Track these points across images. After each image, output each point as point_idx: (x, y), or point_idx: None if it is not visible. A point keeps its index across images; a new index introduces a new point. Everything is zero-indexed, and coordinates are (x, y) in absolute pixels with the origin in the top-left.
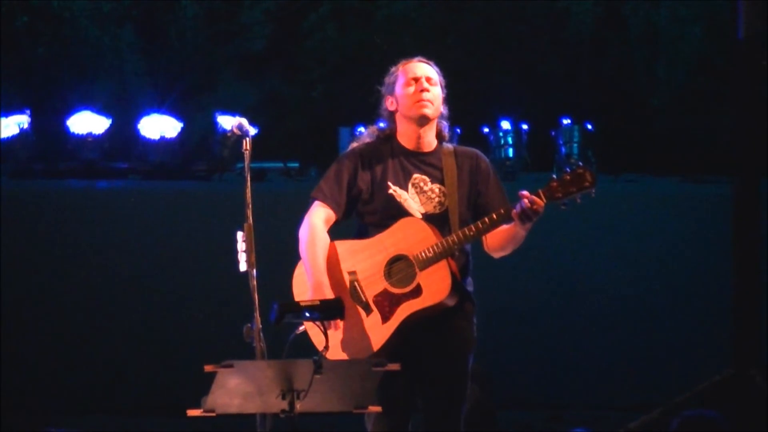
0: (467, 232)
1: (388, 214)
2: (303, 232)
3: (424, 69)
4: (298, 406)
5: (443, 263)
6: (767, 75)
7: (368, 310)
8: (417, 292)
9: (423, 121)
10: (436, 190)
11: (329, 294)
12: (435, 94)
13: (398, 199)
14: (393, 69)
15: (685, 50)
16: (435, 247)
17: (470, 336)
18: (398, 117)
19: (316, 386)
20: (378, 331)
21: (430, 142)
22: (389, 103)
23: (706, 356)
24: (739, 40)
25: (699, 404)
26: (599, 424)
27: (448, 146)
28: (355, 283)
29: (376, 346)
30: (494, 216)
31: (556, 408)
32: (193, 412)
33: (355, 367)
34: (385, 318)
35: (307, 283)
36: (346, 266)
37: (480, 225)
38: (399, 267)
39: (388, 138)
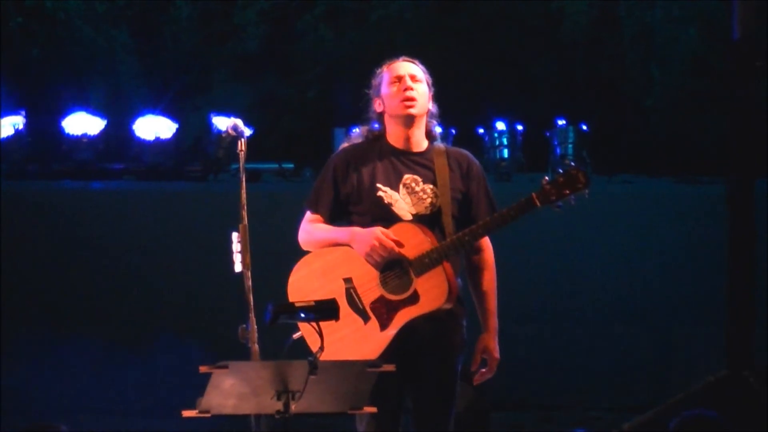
0: (462, 237)
1: (376, 216)
2: (303, 234)
3: (408, 67)
4: (293, 407)
5: (439, 269)
6: (763, 75)
7: (366, 318)
8: (414, 298)
9: (409, 120)
10: (428, 191)
11: (364, 233)
12: (420, 92)
13: (386, 201)
14: (378, 70)
15: (680, 51)
16: (430, 253)
17: (459, 338)
18: (386, 118)
19: (311, 387)
20: (377, 338)
21: (419, 141)
22: (377, 105)
23: (700, 357)
24: (734, 40)
25: (693, 405)
26: (593, 425)
27: (440, 146)
28: (351, 290)
29: (376, 353)
30: (489, 221)
31: (549, 409)
32: (188, 413)
33: (350, 368)
34: (384, 325)
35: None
36: (341, 273)
37: (477, 229)
38: (394, 273)
39: (378, 138)
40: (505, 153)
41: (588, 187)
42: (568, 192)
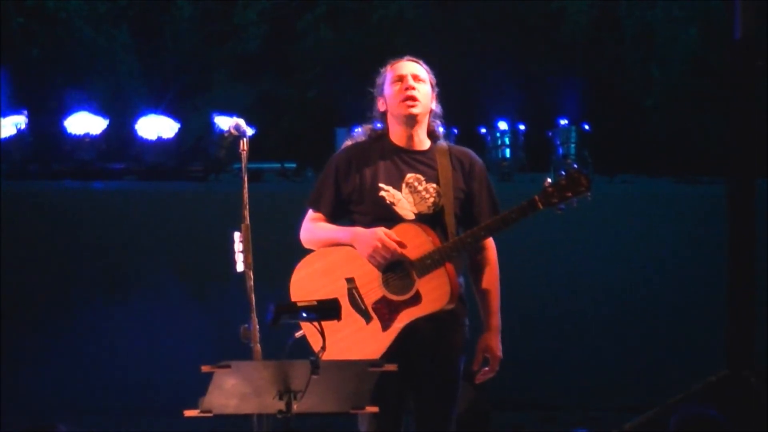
0: (465, 239)
1: (377, 216)
2: (304, 232)
3: (411, 67)
4: (295, 407)
5: (441, 270)
6: (763, 75)
7: (368, 318)
8: (416, 299)
9: (411, 120)
10: (431, 190)
11: (366, 234)
12: (422, 92)
13: (388, 201)
14: (382, 69)
15: (680, 51)
16: (432, 254)
17: (461, 338)
18: (389, 117)
19: (313, 387)
20: (379, 338)
21: (422, 140)
22: (380, 104)
23: (700, 357)
24: (735, 39)
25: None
26: (594, 424)
27: (443, 145)
28: (354, 291)
29: (378, 353)
30: (491, 223)
31: (550, 409)
32: (190, 413)
33: (352, 368)
34: (386, 326)
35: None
36: (343, 273)
37: (479, 231)
38: (396, 274)
39: (381, 137)
40: (507, 153)
41: (590, 190)
42: (570, 195)
